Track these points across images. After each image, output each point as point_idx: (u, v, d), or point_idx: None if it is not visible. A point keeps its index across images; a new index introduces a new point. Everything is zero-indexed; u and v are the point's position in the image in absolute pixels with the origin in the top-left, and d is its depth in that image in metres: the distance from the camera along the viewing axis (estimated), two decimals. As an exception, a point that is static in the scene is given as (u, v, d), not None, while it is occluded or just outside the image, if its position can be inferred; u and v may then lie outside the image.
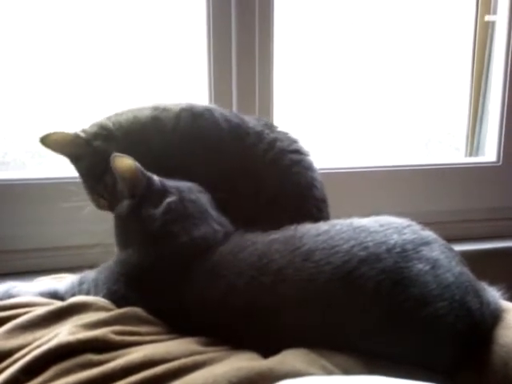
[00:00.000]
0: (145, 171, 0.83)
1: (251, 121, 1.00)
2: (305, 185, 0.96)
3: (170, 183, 0.85)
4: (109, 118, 0.96)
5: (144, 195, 0.82)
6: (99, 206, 0.97)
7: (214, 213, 0.85)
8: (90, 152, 0.92)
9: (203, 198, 0.86)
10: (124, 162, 0.81)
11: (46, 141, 0.91)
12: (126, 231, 0.85)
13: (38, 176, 1.23)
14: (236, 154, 0.96)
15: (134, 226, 0.83)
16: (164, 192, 0.83)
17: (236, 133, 0.97)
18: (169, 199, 0.82)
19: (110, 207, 0.95)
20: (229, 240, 0.80)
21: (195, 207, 0.83)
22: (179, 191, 0.84)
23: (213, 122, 0.97)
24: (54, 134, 0.91)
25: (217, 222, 0.83)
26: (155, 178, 0.84)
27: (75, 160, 0.95)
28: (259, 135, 0.98)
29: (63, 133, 0.92)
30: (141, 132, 0.94)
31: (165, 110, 0.97)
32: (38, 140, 0.90)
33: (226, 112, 1.01)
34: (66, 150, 0.94)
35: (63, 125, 1.31)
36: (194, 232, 0.80)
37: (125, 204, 0.85)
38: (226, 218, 0.86)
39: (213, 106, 1.04)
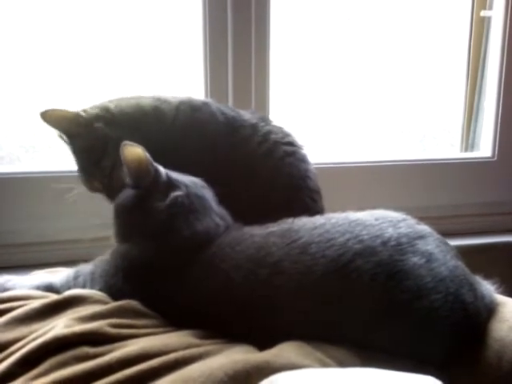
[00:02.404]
0: (154, 162, 0.82)
1: (246, 114, 1.02)
2: (298, 176, 0.97)
3: (176, 176, 0.85)
4: (111, 101, 0.96)
5: (150, 187, 0.81)
6: (92, 189, 0.96)
7: (216, 207, 0.85)
8: (90, 133, 0.91)
9: (207, 194, 0.85)
10: (134, 152, 0.79)
11: (46, 115, 0.90)
12: (127, 222, 0.84)
13: (33, 170, 1.23)
14: (232, 146, 0.96)
15: (137, 217, 0.82)
16: (170, 185, 0.82)
17: (232, 126, 0.98)
18: (176, 193, 0.81)
19: (105, 190, 0.94)
20: (226, 233, 0.80)
21: (200, 202, 0.83)
22: (186, 186, 0.83)
23: (210, 115, 0.98)
24: (55, 109, 0.90)
25: (219, 216, 0.83)
26: (162, 169, 0.83)
27: (71, 138, 0.93)
28: (254, 127, 0.99)
29: (64, 110, 0.91)
30: (141, 120, 0.94)
31: (165, 101, 0.97)
32: (38, 114, 0.89)
33: (222, 106, 1.02)
34: (64, 127, 0.92)
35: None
36: (197, 226, 0.80)
37: (128, 194, 0.83)
38: (226, 211, 0.86)
39: (210, 99, 1.05)
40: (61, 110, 0.91)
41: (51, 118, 0.91)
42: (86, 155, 0.93)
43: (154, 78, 1.35)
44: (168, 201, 0.81)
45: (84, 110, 0.93)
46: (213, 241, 0.78)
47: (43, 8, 1.27)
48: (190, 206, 0.81)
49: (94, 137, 0.91)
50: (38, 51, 1.28)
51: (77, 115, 0.92)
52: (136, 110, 0.95)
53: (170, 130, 0.94)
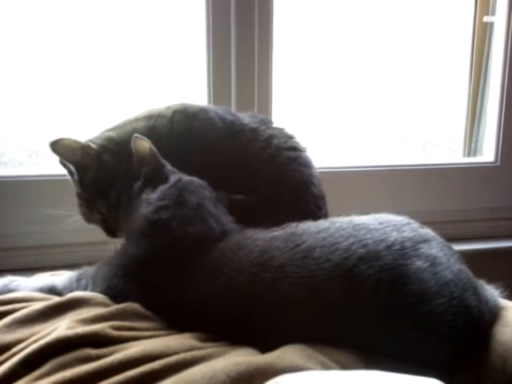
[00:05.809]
0: (160, 157, 0.87)
1: (246, 118, 1.00)
2: (301, 182, 0.96)
3: (174, 173, 0.87)
4: (113, 130, 0.95)
5: (149, 179, 0.85)
6: (89, 220, 0.96)
7: (213, 209, 0.84)
8: (98, 165, 0.91)
9: (204, 193, 0.85)
10: (142, 144, 0.87)
11: (57, 146, 0.89)
12: (131, 216, 0.85)
13: (36, 173, 1.23)
14: (232, 151, 0.95)
15: (136, 210, 0.83)
16: (164, 179, 0.85)
17: (231, 130, 0.97)
18: (163, 186, 0.84)
19: (105, 223, 0.94)
20: (228, 237, 0.80)
21: (192, 199, 0.83)
22: (179, 181, 0.85)
23: (207, 121, 0.96)
24: (65, 139, 0.89)
25: (214, 218, 0.83)
26: (168, 166, 0.88)
27: (81, 170, 0.93)
28: (255, 132, 0.97)
29: (74, 140, 0.90)
30: None
31: (159, 116, 0.96)
32: (48, 144, 0.89)
33: (220, 110, 1.00)
34: (75, 158, 0.91)
35: (62, 125, 1.32)
36: (187, 225, 0.80)
37: (136, 186, 0.87)
38: (229, 217, 0.85)
39: (207, 105, 1.04)
40: (71, 140, 0.90)
41: (62, 147, 0.90)
42: (93, 187, 0.93)
43: (158, 82, 1.35)
44: (156, 193, 0.83)
45: (92, 141, 0.92)
46: (209, 243, 0.78)
47: (45, 11, 1.27)
48: (179, 199, 0.82)
49: (101, 169, 0.91)
50: (40, 56, 1.29)
51: (87, 146, 0.91)
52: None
53: (168, 143, 0.93)
